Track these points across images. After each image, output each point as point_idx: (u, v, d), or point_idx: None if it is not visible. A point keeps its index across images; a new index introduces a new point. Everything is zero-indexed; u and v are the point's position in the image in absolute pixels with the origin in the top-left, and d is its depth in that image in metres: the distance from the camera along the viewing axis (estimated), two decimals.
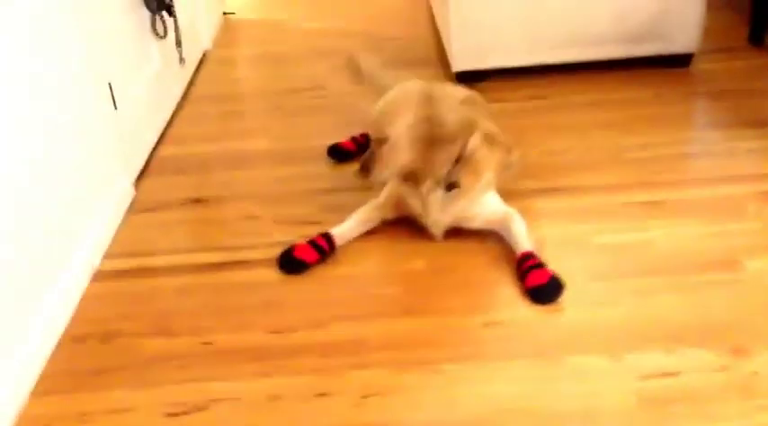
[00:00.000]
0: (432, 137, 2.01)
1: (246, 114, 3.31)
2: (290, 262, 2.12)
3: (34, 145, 1.96)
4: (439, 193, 2.10)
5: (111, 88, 2.49)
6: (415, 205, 2.17)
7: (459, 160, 2.06)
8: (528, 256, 2.00)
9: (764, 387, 1.60)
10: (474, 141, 2.06)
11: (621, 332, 1.79)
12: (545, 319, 1.87)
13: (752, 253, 2.02)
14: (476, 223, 2.16)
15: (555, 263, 2.04)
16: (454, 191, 2.09)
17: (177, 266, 2.21)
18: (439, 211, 2.13)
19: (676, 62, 3.24)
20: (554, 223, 2.25)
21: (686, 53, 3.22)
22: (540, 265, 1.97)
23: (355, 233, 2.23)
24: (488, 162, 2.10)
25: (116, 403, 1.73)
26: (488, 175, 2.12)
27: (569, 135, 2.74)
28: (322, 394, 1.69)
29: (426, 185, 2.10)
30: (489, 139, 2.13)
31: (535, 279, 1.93)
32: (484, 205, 2.15)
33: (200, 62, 3.82)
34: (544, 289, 1.91)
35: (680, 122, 2.81)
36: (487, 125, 2.18)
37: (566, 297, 1.92)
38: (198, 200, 2.57)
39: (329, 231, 2.18)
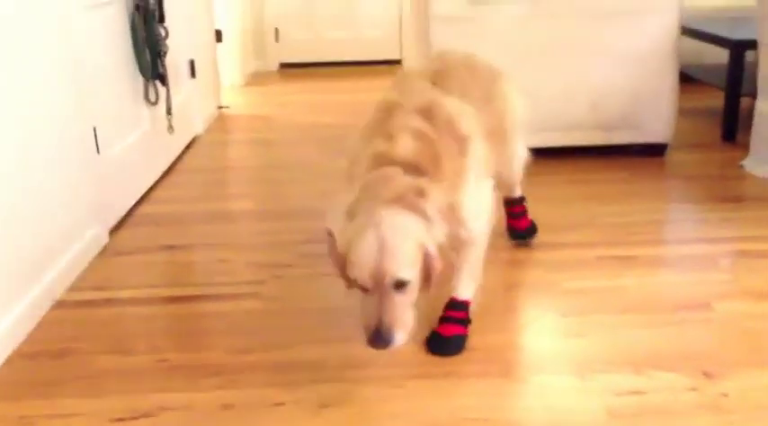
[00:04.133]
0: None
1: (231, 183, 3.36)
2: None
3: (11, 172, 1.98)
4: None
5: (95, 132, 2.54)
6: None
7: None
8: (457, 304, 1.84)
9: (735, 406, 1.54)
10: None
11: (591, 358, 1.74)
12: (513, 345, 1.82)
13: (722, 298, 2.00)
14: None
15: (525, 303, 2.03)
16: None
17: (142, 298, 2.16)
18: None
19: (652, 151, 3.33)
20: (528, 271, 2.24)
21: (661, 143, 3.33)
22: (461, 320, 1.82)
23: None
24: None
25: (61, 409, 1.64)
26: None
27: (549, 204, 2.76)
28: (278, 404, 1.61)
29: None
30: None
31: (444, 329, 1.82)
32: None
33: (191, 143, 3.91)
34: (443, 340, 1.80)
35: (655, 197, 2.85)
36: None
37: (534, 329, 1.88)
38: (171, 247, 2.55)
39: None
